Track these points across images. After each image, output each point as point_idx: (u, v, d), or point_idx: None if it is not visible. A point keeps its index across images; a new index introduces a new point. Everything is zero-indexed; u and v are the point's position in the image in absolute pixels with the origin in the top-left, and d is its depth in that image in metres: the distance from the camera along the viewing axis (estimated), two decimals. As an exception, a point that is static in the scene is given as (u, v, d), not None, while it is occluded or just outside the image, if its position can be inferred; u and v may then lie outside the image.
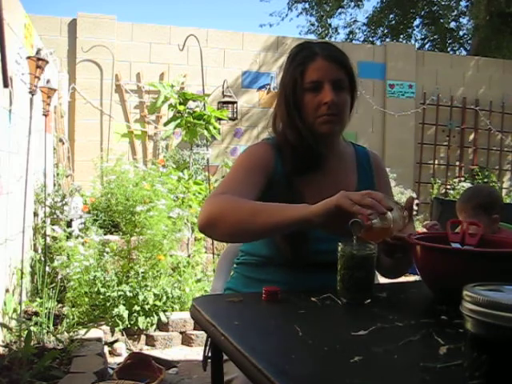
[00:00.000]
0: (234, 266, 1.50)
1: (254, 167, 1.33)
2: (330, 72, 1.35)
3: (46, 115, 3.73)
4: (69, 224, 3.95)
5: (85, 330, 3.03)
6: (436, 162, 6.98)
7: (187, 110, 4.89)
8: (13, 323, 2.93)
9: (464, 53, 12.26)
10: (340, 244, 1.01)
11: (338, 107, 1.34)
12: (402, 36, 12.76)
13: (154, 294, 3.39)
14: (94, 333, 3.10)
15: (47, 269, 3.42)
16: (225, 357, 1.00)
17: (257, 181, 1.30)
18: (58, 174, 4.73)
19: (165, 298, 3.43)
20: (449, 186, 6.70)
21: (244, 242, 1.40)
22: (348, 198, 1.00)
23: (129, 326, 3.28)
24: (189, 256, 4.00)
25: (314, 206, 1.05)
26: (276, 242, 1.31)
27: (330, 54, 1.38)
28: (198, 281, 3.81)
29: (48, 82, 3.57)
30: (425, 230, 2.55)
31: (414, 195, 5.82)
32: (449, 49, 12.84)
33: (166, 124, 5.12)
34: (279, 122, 1.43)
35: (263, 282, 1.17)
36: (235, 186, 1.27)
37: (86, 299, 3.31)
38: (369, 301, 0.99)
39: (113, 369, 2.79)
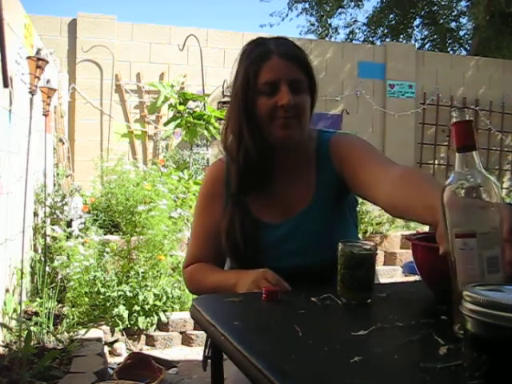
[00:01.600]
0: None
1: (208, 205, 1.35)
2: (287, 72, 1.21)
3: (46, 115, 3.73)
4: (69, 224, 3.95)
5: (85, 329, 3.03)
6: (436, 162, 6.98)
7: (187, 110, 4.90)
8: (13, 323, 2.93)
9: (464, 53, 12.26)
10: (340, 244, 1.01)
11: (296, 109, 1.21)
12: (401, 36, 12.77)
13: (154, 294, 3.39)
14: (93, 333, 3.10)
15: (47, 269, 3.42)
16: (225, 357, 1.01)
17: (214, 220, 1.32)
18: (58, 174, 4.73)
19: (165, 298, 3.43)
20: (449, 186, 6.70)
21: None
22: (263, 278, 1.10)
23: (129, 325, 3.28)
24: (189, 256, 3.99)
25: (240, 285, 1.15)
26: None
27: (287, 51, 1.24)
28: (198, 281, 3.80)
29: (48, 82, 3.58)
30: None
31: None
32: (449, 49, 12.84)
33: (165, 124, 5.12)
34: (229, 133, 1.30)
35: None
36: (198, 249, 1.35)
37: (86, 299, 3.31)
38: (369, 301, 0.99)
39: (113, 369, 2.79)
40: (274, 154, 1.28)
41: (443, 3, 11.96)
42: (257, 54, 1.24)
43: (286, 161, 1.31)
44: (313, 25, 13.08)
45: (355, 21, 13.25)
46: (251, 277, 1.13)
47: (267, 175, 1.29)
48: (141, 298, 3.31)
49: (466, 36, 12.84)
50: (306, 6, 12.73)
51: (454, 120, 0.77)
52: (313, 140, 1.34)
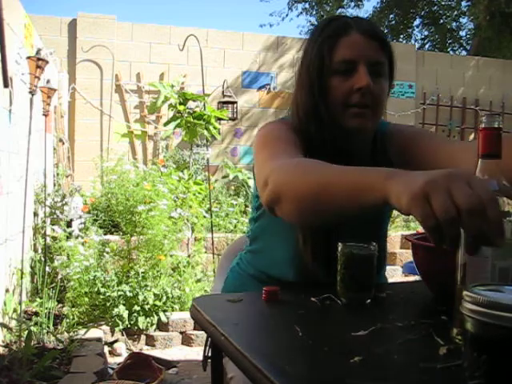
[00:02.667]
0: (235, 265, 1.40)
1: (286, 134, 1.10)
2: (368, 51, 1.08)
3: (46, 115, 3.73)
4: (69, 224, 3.95)
5: (85, 329, 3.03)
6: (436, 162, 6.98)
7: (187, 110, 4.89)
8: (13, 323, 2.93)
9: (464, 53, 12.26)
10: (340, 244, 1.01)
11: (373, 97, 1.08)
12: (402, 36, 12.77)
13: (154, 294, 3.39)
14: (93, 333, 3.10)
15: (47, 269, 3.42)
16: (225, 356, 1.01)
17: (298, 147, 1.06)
18: (58, 174, 4.73)
19: (165, 298, 3.43)
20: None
21: (315, 224, 1.06)
22: (444, 189, 0.63)
23: (129, 326, 3.28)
24: (189, 256, 4.00)
25: (394, 185, 0.71)
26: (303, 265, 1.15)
27: (368, 28, 1.10)
28: (198, 281, 3.81)
29: (48, 82, 3.57)
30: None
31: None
32: (449, 49, 12.84)
33: (165, 124, 5.12)
34: (299, 108, 1.16)
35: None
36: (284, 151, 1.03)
37: (86, 299, 3.31)
38: (369, 301, 0.99)
39: (113, 369, 2.79)
40: (349, 138, 1.14)
41: (443, 3, 11.96)
42: (334, 27, 1.11)
43: (352, 147, 1.16)
44: (313, 25, 13.08)
45: (355, 21, 13.22)
46: (418, 182, 0.66)
47: (345, 155, 1.10)
48: (141, 298, 3.31)
49: (466, 36, 12.85)
50: (306, 5, 12.74)
51: (483, 125, 0.75)
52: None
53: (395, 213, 5.52)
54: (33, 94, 3.14)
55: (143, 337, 3.36)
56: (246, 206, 5.10)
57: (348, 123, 1.10)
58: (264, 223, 1.29)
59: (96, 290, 3.32)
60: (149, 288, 3.39)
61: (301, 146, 1.08)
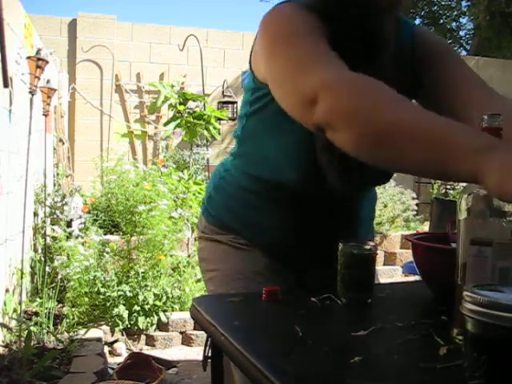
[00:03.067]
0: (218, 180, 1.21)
1: (307, 20, 0.89)
2: None
3: (46, 115, 3.73)
4: (69, 224, 3.95)
5: (85, 329, 3.03)
6: (436, 162, 6.98)
7: (187, 110, 4.90)
8: (13, 323, 2.93)
9: (464, 53, 12.26)
10: (340, 244, 1.01)
11: None
12: (402, 36, 12.76)
13: (154, 294, 3.39)
14: (93, 333, 3.10)
15: (47, 269, 3.42)
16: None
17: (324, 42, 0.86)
18: (58, 174, 4.73)
19: (165, 297, 3.43)
20: (449, 186, 6.70)
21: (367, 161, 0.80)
22: None
23: (129, 326, 3.28)
24: (189, 256, 4.00)
25: (491, 163, 0.60)
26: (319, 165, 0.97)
27: None
28: (198, 281, 3.80)
29: (48, 82, 3.58)
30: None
31: (414, 195, 5.82)
32: (449, 49, 12.83)
33: (165, 124, 5.12)
34: None
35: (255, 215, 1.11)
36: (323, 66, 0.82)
37: (86, 299, 3.31)
38: (369, 301, 0.99)
39: (113, 369, 2.79)
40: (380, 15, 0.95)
41: (443, 3, 11.96)
42: None
43: (379, 31, 0.97)
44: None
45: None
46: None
47: (376, 38, 0.95)
48: (141, 297, 3.31)
49: (466, 36, 12.85)
50: (306, 5, 12.73)
51: (484, 125, 0.75)
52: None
53: (395, 213, 5.52)
54: (33, 94, 3.14)
55: (143, 337, 3.36)
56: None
57: None
58: (262, 119, 1.08)
59: (96, 290, 3.32)
60: (149, 288, 3.39)
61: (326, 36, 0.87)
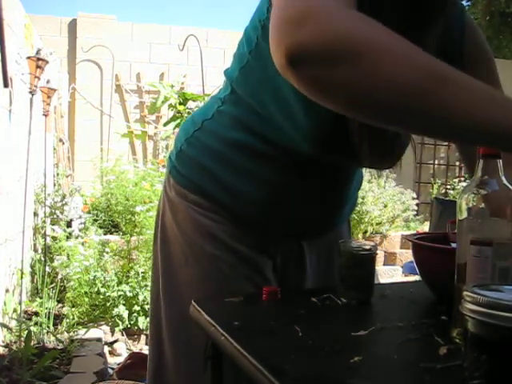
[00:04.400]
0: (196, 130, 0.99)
1: None
2: None
3: (46, 115, 3.73)
4: (69, 224, 3.95)
5: (85, 329, 3.03)
6: (436, 162, 6.98)
7: (187, 110, 4.89)
8: (13, 323, 2.93)
9: (464, 53, 12.26)
10: (340, 244, 1.01)
11: None
12: (402, 36, 12.76)
13: (154, 294, 3.39)
14: (93, 333, 3.10)
15: (47, 269, 3.42)
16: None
17: None
18: (58, 174, 4.73)
19: (165, 298, 3.43)
20: (449, 186, 6.71)
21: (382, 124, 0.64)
22: None
23: (129, 326, 3.28)
24: (189, 256, 4.00)
25: None
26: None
27: None
28: (198, 281, 3.80)
29: (48, 82, 3.58)
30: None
31: (414, 195, 5.82)
32: (449, 49, 12.84)
33: (165, 124, 5.12)
34: None
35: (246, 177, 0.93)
36: None
37: (86, 299, 3.31)
38: (369, 301, 0.99)
39: (113, 369, 2.79)
40: None
41: (443, 3, 11.96)
42: None
43: None
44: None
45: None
46: None
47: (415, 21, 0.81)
48: (141, 297, 3.31)
49: (466, 36, 12.84)
50: (306, 5, 12.73)
51: None
52: None
53: (395, 213, 5.52)
54: (33, 94, 3.14)
55: (143, 337, 3.36)
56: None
57: None
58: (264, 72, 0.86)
59: (96, 290, 3.32)
60: (149, 288, 3.38)
61: None
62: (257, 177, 0.95)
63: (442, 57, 0.75)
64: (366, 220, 5.30)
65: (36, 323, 2.96)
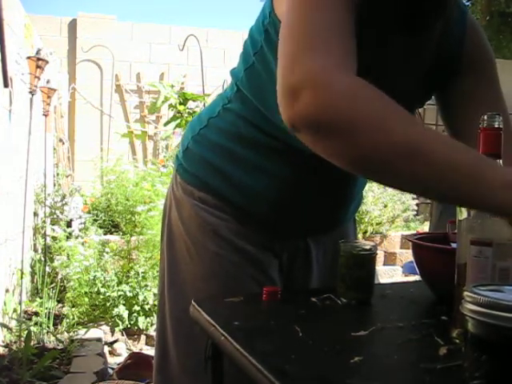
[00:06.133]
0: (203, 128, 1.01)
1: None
2: None
3: (46, 115, 3.73)
4: (69, 224, 3.95)
5: (85, 329, 3.03)
6: (436, 162, 6.99)
7: (187, 110, 4.89)
8: (13, 323, 2.93)
9: (464, 53, 12.26)
10: (340, 244, 1.01)
11: None
12: (402, 36, 12.76)
13: (154, 294, 3.39)
14: (93, 333, 3.10)
15: (47, 269, 3.42)
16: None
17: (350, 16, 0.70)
18: (58, 174, 4.73)
19: (165, 297, 3.43)
20: (449, 186, 6.70)
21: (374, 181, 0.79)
22: None
23: (129, 326, 3.28)
24: (189, 256, 4.00)
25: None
26: None
27: None
28: (198, 281, 3.81)
29: (48, 82, 3.58)
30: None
31: (414, 195, 5.82)
32: (449, 49, 12.84)
33: (165, 124, 5.12)
34: None
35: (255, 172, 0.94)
36: (335, 47, 0.67)
37: (86, 299, 3.31)
38: (369, 301, 0.99)
39: (113, 369, 2.79)
40: None
41: (443, 3, 11.97)
42: None
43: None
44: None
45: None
46: None
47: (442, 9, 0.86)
48: (141, 298, 3.31)
49: (466, 36, 12.84)
50: (306, 5, 12.73)
51: (483, 125, 0.75)
52: None
53: (395, 213, 5.52)
54: (33, 94, 3.14)
55: (143, 337, 3.36)
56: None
57: None
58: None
59: (96, 290, 3.32)
60: (149, 288, 3.39)
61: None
62: (266, 172, 0.95)
63: (441, 58, 0.78)
64: (366, 220, 5.30)
65: (36, 323, 2.96)
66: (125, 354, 3.08)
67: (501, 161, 0.75)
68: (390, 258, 5.38)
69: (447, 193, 0.64)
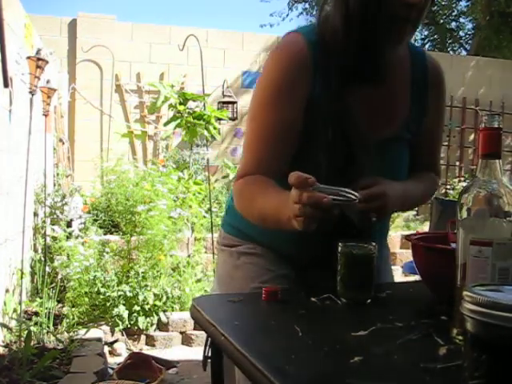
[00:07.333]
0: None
1: (282, 95, 1.03)
2: None
3: (46, 115, 3.73)
4: (69, 224, 3.95)
5: (85, 330, 3.03)
6: (436, 161, 6.98)
7: (187, 110, 4.89)
8: (13, 323, 2.93)
9: (464, 53, 12.25)
10: (340, 244, 1.01)
11: (419, 10, 1.00)
12: (402, 36, 12.73)
13: (154, 294, 3.39)
14: (93, 333, 3.10)
15: (47, 269, 3.42)
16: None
17: (287, 117, 1.04)
18: (58, 174, 4.73)
19: (165, 298, 3.43)
20: (449, 186, 6.70)
21: None
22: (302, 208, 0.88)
23: (129, 326, 3.28)
24: (189, 256, 4.00)
25: (290, 222, 0.95)
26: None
27: None
28: (198, 281, 3.81)
29: (48, 82, 3.57)
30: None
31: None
32: (449, 49, 12.83)
33: (165, 124, 5.12)
34: (330, 17, 1.06)
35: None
36: (256, 156, 1.07)
37: (86, 299, 3.31)
38: (369, 301, 0.99)
39: (113, 369, 2.79)
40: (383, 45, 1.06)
41: (443, 3, 11.96)
42: None
43: (390, 57, 1.09)
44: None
45: (355, 21, 13.23)
46: (288, 212, 0.92)
47: (376, 70, 1.06)
48: (141, 298, 3.31)
49: (466, 36, 12.84)
50: (307, 6, 12.74)
51: (483, 125, 0.75)
52: (405, 49, 1.17)
53: (395, 213, 5.51)
54: (33, 94, 3.14)
55: (143, 337, 3.36)
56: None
57: (394, 11, 0.99)
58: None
59: (96, 290, 3.32)
60: (149, 288, 3.39)
61: (294, 128, 1.06)
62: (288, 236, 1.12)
63: (414, 92, 1.16)
64: (366, 220, 5.28)
65: (36, 323, 2.96)
66: (125, 354, 3.09)
67: (500, 161, 0.75)
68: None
69: (272, 226, 1.05)
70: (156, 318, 3.37)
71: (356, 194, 0.92)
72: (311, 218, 0.88)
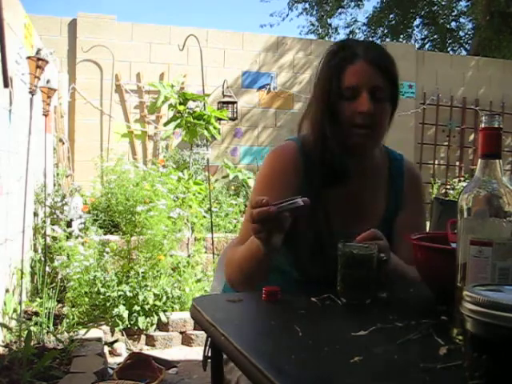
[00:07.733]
0: None
1: (275, 187, 1.24)
2: (371, 78, 1.20)
3: (46, 115, 3.73)
4: (69, 224, 3.95)
5: (85, 330, 3.03)
6: (436, 162, 6.98)
7: (187, 110, 4.89)
8: (13, 323, 2.93)
9: (464, 53, 12.26)
10: (340, 244, 1.01)
11: (374, 119, 1.20)
12: (401, 36, 12.76)
13: (154, 294, 3.39)
14: (93, 333, 3.10)
15: (47, 269, 3.42)
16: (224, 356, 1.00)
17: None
18: (57, 174, 4.73)
19: (165, 298, 3.43)
20: (449, 186, 6.70)
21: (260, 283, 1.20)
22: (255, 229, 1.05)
23: (129, 326, 3.28)
24: (189, 256, 4.00)
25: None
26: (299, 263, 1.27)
27: (374, 57, 1.22)
28: (198, 281, 3.81)
29: (48, 82, 3.57)
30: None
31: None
32: (449, 49, 12.84)
33: (165, 124, 5.12)
34: (307, 124, 1.31)
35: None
36: (249, 234, 1.20)
37: (86, 299, 3.31)
38: (369, 301, 0.99)
39: (113, 369, 2.79)
40: (353, 156, 1.28)
41: (443, 3, 11.96)
42: (342, 56, 1.23)
43: (358, 172, 1.30)
44: (313, 25, 13.09)
45: (355, 21, 13.27)
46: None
47: (343, 171, 1.26)
48: (141, 298, 3.31)
49: (466, 36, 12.84)
50: (306, 6, 12.75)
51: (483, 125, 0.75)
52: (383, 155, 1.38)
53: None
54: (33, 94, 3.14)
55: (143, 337, 3.36)
56: (246, 206, 5.09)
57: (350, 141, 1.23)
58: None
59: (96, 290, 3.32)
60: (149, 288, 3.39)
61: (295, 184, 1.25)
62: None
63: (390, 193, 1.35)
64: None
65: (36, 323, 2.96)
66: (125, 354, 3.08)
67: (501, 161, 0.75)
68: (389, 258, 5.37)
69: (248, 265, 1.17)
70: (156, 318, 3.37)
71: (304, 198, 1.02)
72: (267, 232, 1.02)
